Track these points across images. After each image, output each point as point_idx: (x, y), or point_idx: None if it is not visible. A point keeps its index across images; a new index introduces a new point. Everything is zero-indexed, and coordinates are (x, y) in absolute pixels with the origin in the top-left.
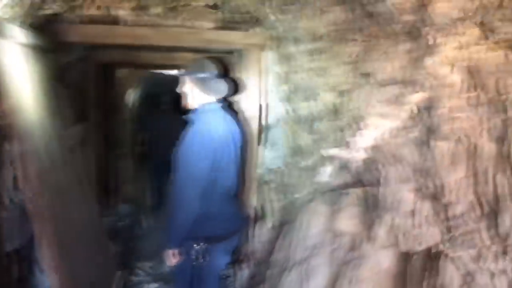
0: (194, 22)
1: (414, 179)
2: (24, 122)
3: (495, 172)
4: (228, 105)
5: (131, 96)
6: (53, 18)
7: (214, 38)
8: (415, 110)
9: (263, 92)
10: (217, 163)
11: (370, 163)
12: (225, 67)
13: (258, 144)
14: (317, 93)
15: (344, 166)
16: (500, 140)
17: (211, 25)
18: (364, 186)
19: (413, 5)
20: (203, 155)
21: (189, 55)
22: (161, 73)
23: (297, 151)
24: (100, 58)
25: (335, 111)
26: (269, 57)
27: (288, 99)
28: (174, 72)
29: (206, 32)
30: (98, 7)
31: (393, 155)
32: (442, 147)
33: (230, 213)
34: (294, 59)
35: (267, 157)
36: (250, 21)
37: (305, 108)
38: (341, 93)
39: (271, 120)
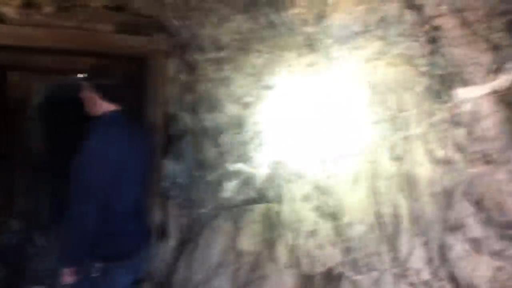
0: (93, 24)
1: (316, 197)
2: None
3: (395, 192)
4: (131, 115)
5: (26, 103)
6: None
7: (115, 42)
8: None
9: (167, 101)
10: (116, 176)
11: (273, 179)
12: (128, 74)
13: (162, 156)
14: (222, 105)
15: (248, 181)
16: (401, 159)
17: (111, 28)
18: (268, 202)
19: (314, 16)
20: (100, 168)
21: (91, 60)
22: (61, 78)
23: (202, 165)
24: None
25: (240, 124)
26: (174, 64)
27: (193, 109)
28: (74, 77)
29: (106, 35)
30: None
31: (295, 172)
32: (343, 164)
33: (132, 230)
34: (199, 68)
35: (171, 170)
36: (154, 26)
37: (210, 119)
38: (246, 106)
39: (176, 131)
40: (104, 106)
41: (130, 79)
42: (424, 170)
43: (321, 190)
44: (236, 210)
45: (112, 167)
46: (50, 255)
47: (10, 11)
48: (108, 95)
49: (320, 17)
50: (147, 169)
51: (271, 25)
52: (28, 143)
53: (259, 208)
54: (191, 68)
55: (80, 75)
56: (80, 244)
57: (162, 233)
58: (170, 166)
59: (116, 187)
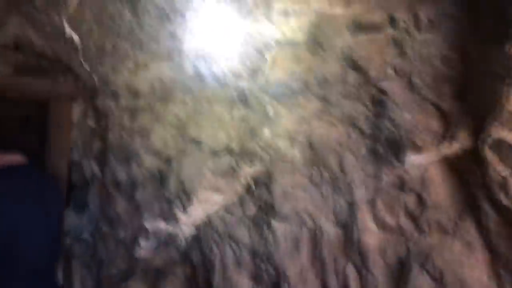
0: None
1: (253, 264)
2: None
3: (344, 261)
4: (33, 164)
5: None
6: None
7: (11, 85)
8: (252, 185)
9: (70, 148)
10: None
11: (201, 241)
12: (27, 120)
13: (65, 208)
14: (139, 157)
15: (169, 241)
16: (347, 224)
17: (7, 70)
18: (193, 266)
19: (249, 71)
20: None
21: None
22: None
23: (112, 220)
24: None
25: (161, 179)
26: (80, 109)
27: (102, 158)
28: None
29: (4, 78)
30: None
31: (228, 234)
32: (282, 228)
33: None
34: (110, 115)
35: (74, 224)
36: (60, 68)
37: (123, 171)
38: (168, 159)
39: (80, 180)
40: None
41: (30, 125)
42: (373, 238)
43: (258, 256)
44: (154, 273)
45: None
46: None
47: None
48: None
49: (255, 71)
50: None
51: (199, 75)
52: None
53: (184, 272)
54: (101, 114)
55: None
56: None
57: None
58: (73, 220)
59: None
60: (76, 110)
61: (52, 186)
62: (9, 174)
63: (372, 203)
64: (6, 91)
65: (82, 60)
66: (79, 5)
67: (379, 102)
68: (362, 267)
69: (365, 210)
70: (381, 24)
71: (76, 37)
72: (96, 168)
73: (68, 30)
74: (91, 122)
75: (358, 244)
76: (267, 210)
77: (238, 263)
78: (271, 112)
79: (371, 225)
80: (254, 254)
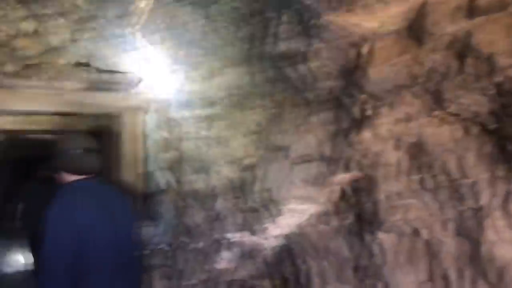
0: (59, 82)
1: (356, 279)
2: None
3: (472, 276)
4: (105, 180)
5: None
6: None
7: (82, 100)
8: (348, 192)
9: (143, 160)
10: (84, 252)
11: (292, 253)
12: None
13: (138, 219)
14: (217, 165)
15: (255, 252)
16: (471, 234)
17: (80, 85)
18: (284, 278)
19: (341, 69)
20: (61, 245)
21: (59, 119)
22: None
23: (190, 230)
24: None
25: (243, 188)
26: (149, 121)
27: (171, 168)
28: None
29: (73, 93)
30: None
31: (324, 246)
32: (390, 240)
33: None
34: (181, 125)
35: (151, 235)
36: (129, 81)
37: (196, 181)
38: (249, 167)
39: (153, 191)
40: (68, 177)
41: (102, 139)
42: (510, 250)
43: (362, 270)
44: (239, 285)
45: (77, 241)
46: None
47: None
48: (70, 165)
49: (351, 69)
50: (135, 239)
51: (278, 79)
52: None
53: (272, 284)
54: (174, 124)
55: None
56: None
57: None
58: (148, 230)
59: (84, 264)
60: (149, 121)
61: (120, 195)
62: (75, 187)
63: (504, 209)
64: (79, 105)
65: (154, 71)
66: (151, 14)
67: (507, 92)
68: (500, 285)
69: (495, 217)
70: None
71: (148, 47)
72: (170, 179)
73: (140, 40)
74: (164, 133)
75: (488, 258)
76: (369, 219)
77: (338, 277)
78: (369, 111)
79: (506, 235)
80: (356, 268)
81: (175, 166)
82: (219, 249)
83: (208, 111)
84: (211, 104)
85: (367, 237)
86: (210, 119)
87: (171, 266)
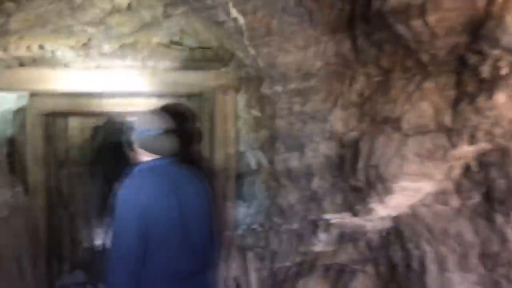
0: (152, 62)
1: (484, 268)
2: None
3: None
4: (185, 160)
5: (87, 147)
6: None
7: (175, 80)
8: (474, 167)
9: (235, 140)
10: (152, 233)
11: (402, 236)
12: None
13: (232, 199)
14: (313, 142)
15: (357, 235)
16: None
17: (172, 64)
18: (392, 264)
19: (467, 21)
20: (128, 225)
21: (150, 101)
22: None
23: (283, 210)
24: (42, 107)
25: (343, 165)
26: (240, 99)
27: (263, 148)
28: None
29: (165, 73)
30: (28, 47)
31: (442, 229)
32: None
33: None
34: (273, 102)
35: (243, 215)
36: (220, 59)
37: (290, 160)
38: (351, 143)
39: (246, 171)
40: (144, 156)
41: (188, 121)
42: None
43: (492, 257)
44: (337, 269)
45: (146, 224)
46: None
47: (69, 55)
48: (148, 146)
49: (477, 20)
50: (215, 222)
51: (383, 41)
52: (89, 188)
53: (376, 270)
54: (266, 102)
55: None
56: None
57: (237, 287)
58: (241, 211)
59: (155, 248)
60: (240, 100)
61: (197, 176)
62: (145, 169)
63: None
64: (171, 85)
65: (247, 44)
66: None
67: None
68: None
69: None
70: None
71: (241, 19)
72: (262, 158)
73: (233, 11)
74: (255, 111)
75: None
76: (501, 198)
77: (461, 264)
78: (504, 70)
79: None
80: (484, 255)
81: (267, 145)
82: (315, 230)
83: (303, 84)
84: (307, 76)
85: (499, 219)
86: (305, 93)
87: (264, 247)
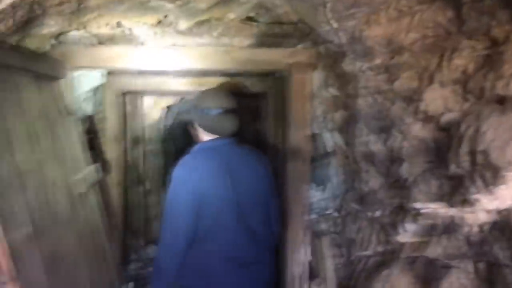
0: (228, 39)
1: None
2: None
3: None
4: (245, 141)
5: (160, 125)
6: (59, 40)
7: (250, 58)
8: None
9: (309, 120)
10: (205, 212)
11: (499, 234)
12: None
13: (306, 183)
14: (403, 123)
15: (452, 227)
16: None
17: (247, 41)
18: (493, 262)
19: None
20: (182, 202)
21: (223, 80)
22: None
23: (362, 196)
24: (119, 85)
25: (435, 151)
26: (316, 78)
27: (341, 129)
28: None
29: (240, 51)
30: (107, 24)
31: None
32: None
33: (235, 279)
34: (355, 80)
35: (317, 200)
36: (298, 35)
37: (373, 142)
38: (446, 125)
39: (319, 153)
40: (204, 136)
41: (266, 99)
42: None
43: None
44: (426, 263)
45: (200, 204)
46: None
47: (146, 33)
48: (206, 125)
49: None
50: (268, 208)
51: (505, 5)
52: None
53: (475, 268)
54: (347, 79)
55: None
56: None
57: (311, 274)
58: (315, 195)
59: (209, 230)
60: (316, 78)
61: (256, 157)
62: (202, 148)
63: None
64: (247, 63)
65: (329, 17)
66: None
67: None
68: None
69: None
70: None
71: None
72: (339, 140)
73: None
74: (332, 90)
75: None
76: None
77: None
78: None
79: None
80: None
81: (346, 126)
82: (401, 220)
83: (393, 60)
84: (398, 50)
85: None
86: (395, 69)
87: (340, 234)
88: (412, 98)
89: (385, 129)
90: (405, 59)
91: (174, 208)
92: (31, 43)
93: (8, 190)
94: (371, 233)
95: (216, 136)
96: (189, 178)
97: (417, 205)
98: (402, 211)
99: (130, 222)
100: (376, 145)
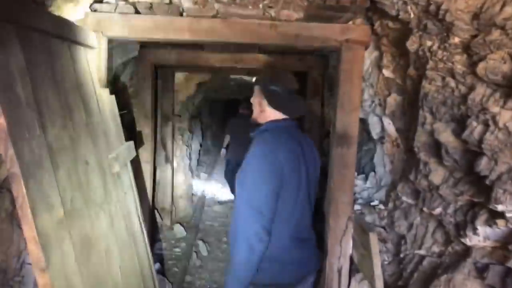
0: (275, 11)
1: None
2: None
3: None
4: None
5: (190, 102)
6: (94, 7)
7: (297, 32)
8: None
9: (358, 103)
10: (284, 193)
11: None
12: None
13: (354, 169)
14: (480, 112)
15: None
16: None
17: (296, 15)
18: None
19: None
20: (265, 182)
21: (262, 57)
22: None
23: (410, 190)
24: (152, 58)
25: None
26: (368, 57)
27: (398, 114)
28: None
29: (288, 25)
30: None
31: None
32: None
33: (300, 255)
34: (422, 60)
35: (357, 188)
36: (354, 8)
37: (441, 131)
38: None
39: (363, 140)
40: (272, 115)
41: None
42: None
43: None
44: (500, 272)
45: (279, 181)
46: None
47: (185, 2)
48: (277, 103)
49: None
50: (316, 189)
51: None
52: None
53: None
54: (404, 60)
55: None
56: (246, 274)
57: (350, 268)
58: (356, 184)
59: (283, 205)
60: (366, 58)
61: (308, 140)
62: (273, 128)
63: None
64: (297, 39)
65: None
66: None
67: None
68: None
69: None
70: None
71: None
72: (390, 127)
73: None
74: (386, 72)
75: None
76: None
77: None
78: None
79: None
80: None
81: (399, 112)
82: (472, 221)
83: (478, 37)
84: (486, 27)
85: None
86: (478, 49)
87: (387, 228)
88: (500, 83)
89: (458, 117)
90: (496, 37)
91: (259, 185)
92: (66, 9)
93: (38, 169)
94: (426, 231)
95: (284, 116)
96: (275, 158)
97: (499, 206)
98: (472, 211)
99: (157, 202)
100: (444, 135)
